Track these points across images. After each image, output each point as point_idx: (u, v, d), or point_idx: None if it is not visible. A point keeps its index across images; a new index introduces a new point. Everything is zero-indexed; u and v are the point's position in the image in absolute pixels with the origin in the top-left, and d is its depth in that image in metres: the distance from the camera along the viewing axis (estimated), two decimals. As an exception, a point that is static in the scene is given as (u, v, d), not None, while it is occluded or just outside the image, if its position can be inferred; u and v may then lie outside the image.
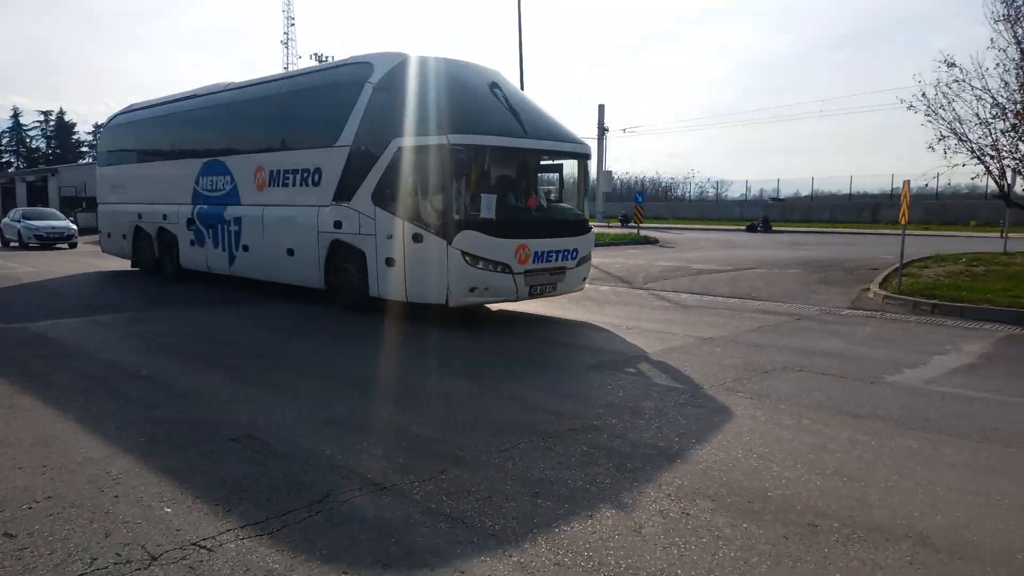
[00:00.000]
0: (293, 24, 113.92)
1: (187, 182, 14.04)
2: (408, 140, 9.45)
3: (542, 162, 10.79)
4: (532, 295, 9.71)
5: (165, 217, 14.88)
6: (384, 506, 3.96)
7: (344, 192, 10.46)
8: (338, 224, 10.56)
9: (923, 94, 12.38)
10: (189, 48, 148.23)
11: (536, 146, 10.08)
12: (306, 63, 59.25)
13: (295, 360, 7.72)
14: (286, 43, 76.69)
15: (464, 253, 9.04)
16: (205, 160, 13.68)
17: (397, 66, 10.12)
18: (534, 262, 9.51)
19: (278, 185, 11.74)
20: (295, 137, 11.72)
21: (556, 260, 9.87)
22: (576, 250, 10.20)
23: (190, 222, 14.03)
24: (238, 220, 12.76)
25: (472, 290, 9.17)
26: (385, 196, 9.74)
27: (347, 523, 3.75)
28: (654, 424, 5.44)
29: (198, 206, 13.87)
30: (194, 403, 5.97)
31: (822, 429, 5.36)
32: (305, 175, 11.17)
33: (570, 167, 10.93)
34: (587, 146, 11.07)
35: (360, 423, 5.52)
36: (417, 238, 9.29)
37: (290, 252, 11.55)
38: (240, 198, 12.73)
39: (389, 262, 9.69)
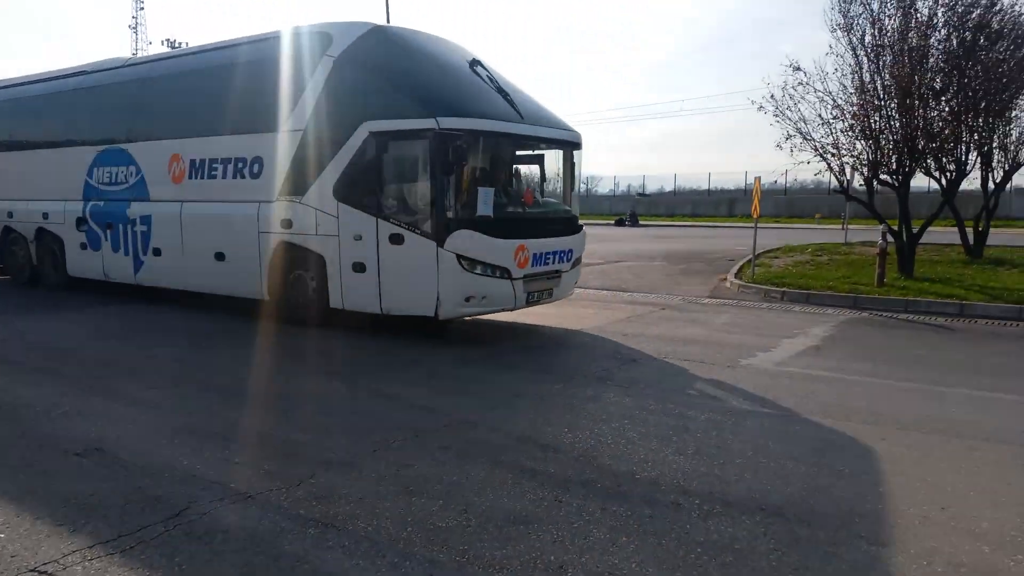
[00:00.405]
0: (143, 8, 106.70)
1: (77, 174, 11.73)
2: (384, 124, 8.02)
3: (520, 152, 9.34)
4: (529, 303, 8.41)
5: (46, 216, 12.41)
6: (249, 516, 3.77)
7: (295, 185, 8.87)
8: (287, 223, 8.94)
9: (772, 96, 13.22)
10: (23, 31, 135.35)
11: (535, 132, 8.75)
12: (157, 49, 55.31)
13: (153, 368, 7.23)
14: (135, 28, 71.78)
15: (459, 256, 7.71)
16: (101, 148, 11.42)
17: (363, 37, 8.61)
18: (532, 265, 8.29)
19: (203, 177, 9.91)
20: (227, 120, 9.76)
21: (553, 262, 8.63)
22: (571, 251, 9.01)
23: (81, 221, 11.76)
24: (146, 219, 10.71)
25: (468, 299, 7.89)
26: (352, 190, 8.29)
27: (208, 535, 3.54)
28: (528, 416, 5.51)
29: (92, 203, 11.59)
30: (31, 415, 5.46)
31: (684, 412, 5.62)
32: (240, 165, 9.43)
33: (553, 157, 9.47)
34: (579, 134, 9.61)
35: (222, 431, 5.23)
36: (397, 239, 7.94)
37: (219, 256, 9.74)
38: (149, 192, 10.68)
39: (358, 268, 8.27)
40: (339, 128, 8.40)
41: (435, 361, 7.44)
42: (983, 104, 12.85)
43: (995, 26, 12.89)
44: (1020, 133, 15.25)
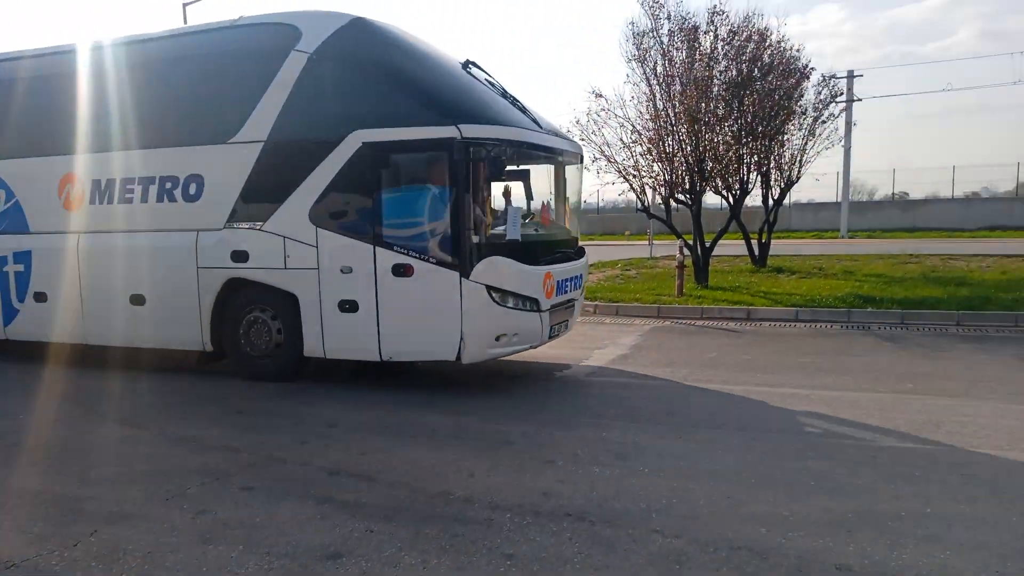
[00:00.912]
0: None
1: None
2: (383, 133, 6.68)
3: (532, 165, 8.10)
4: (551, 337, 7.30)
5: None
6: (11, 587, 3.33)
7: (251, 210, 7.26)
8: (240, 256, 7.30)
9: (578, 120, 13.96)
10: None
11: (554, 144, 7.74)
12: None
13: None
14: None
15: (490, 288, 6.57)
16: None
17: (342, 31, 7.16)
18: (556, 294, 7.27)
19: (111, 201, 7.93)
20: (149, 130, 7.90)
21: (569, 290, 7.64)
22: (581, 276, 8.09)
23: None
24: (23, 256, 8.53)
25: (499, 338, 6.74)
26: (337, 214, 6.93)
27: (-44, 618, 3.08)
28: (342, 447, 5.35)
29: None
30: None
31: (499, 428, 5.71)
32: (169, 186, 7.61)
33: (562, 171, 8.35)
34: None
35: (-14, 493, 4.60)
36: (402, 270, 6.62)
37: (136, 300, 7.82)
38: (28, 223, 8.51)
39: (346, 306, 6.85)
40: (317, 139, 6.97)
41: (243, 395, 7.02)
42: (759, 129, 14.37)
43: (766, 59, 14.50)
44: (792, 154, 17.19)
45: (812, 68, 15.20)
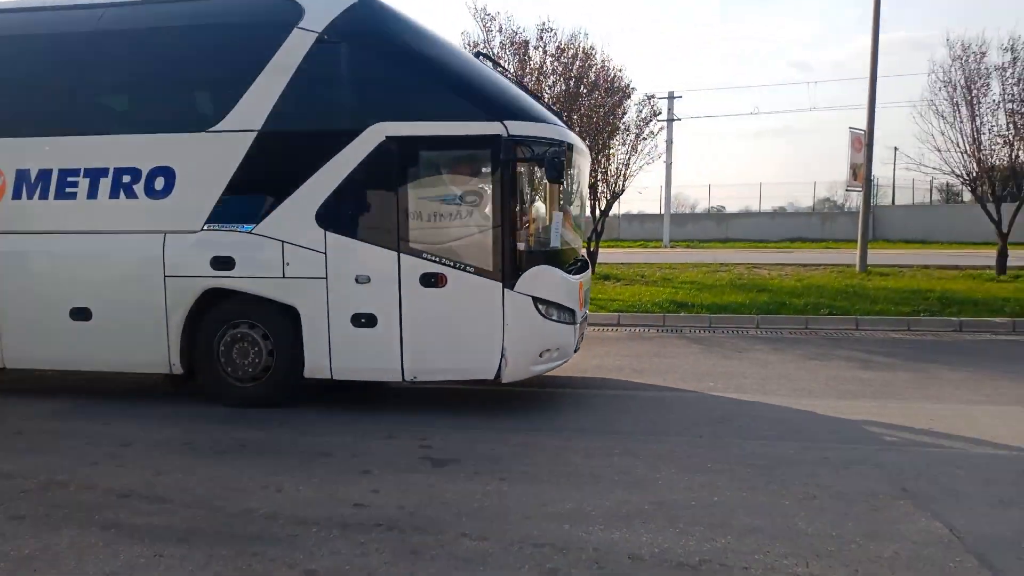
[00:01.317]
0: None
1: None
2: (412, 127, 6.02)
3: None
4: (575, 351, 6.83)
5: None
6: None
7: (239, 209, 6.33)
8: (224, 263, 6.28)
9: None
10: None
11: (583, 145, 7.20)
12: None
13: None
14: None
15: (536, 300, 6.09)
16: None
17: (352, 9, 6.28)
18: (583, 306, 6.90)
19: (42, 196, 6.56)
20: (99, 113, 6.91)
21: (586, 302, 7.26)
22: (588, 288, 7.66)
23: None
24: None
25: (543, 354, 6.25)
26: (351, 214, 6.19)
27: None
28: (138, 467, 4.94)
29: None
30: None
31: (318, 440, 5.53)
32: (129, 179, 6.42)
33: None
34: None
35: None
36: (433, 280, 5.99)
37: (79, 315, 6.55)
38: None
39: (362, 321, 6.11)
40: (328, 130, 6.22)
41: (24, 415, 6.29)
42: (587, 143, 15.04)
43: (592, 77, 15.20)
44: (617, 167, 18.13)
45: (633, 88, 16.11)
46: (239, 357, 6.42)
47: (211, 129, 6.34)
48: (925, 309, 11.34)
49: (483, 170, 6.11)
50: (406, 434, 5.64)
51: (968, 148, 14.86)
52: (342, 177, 6.09)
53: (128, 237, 6.48)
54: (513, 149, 5.89)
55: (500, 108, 6.12)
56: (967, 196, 16.74)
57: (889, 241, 29.46)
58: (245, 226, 6.28)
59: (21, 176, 6.62)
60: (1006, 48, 14.22)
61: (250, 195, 6.37)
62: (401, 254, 6.01)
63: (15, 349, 6.79)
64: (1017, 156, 14.42)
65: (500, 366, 6.03)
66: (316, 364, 6.23)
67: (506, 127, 5.91)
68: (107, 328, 6.51)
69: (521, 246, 6.03)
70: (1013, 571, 3.43)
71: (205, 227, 6.33)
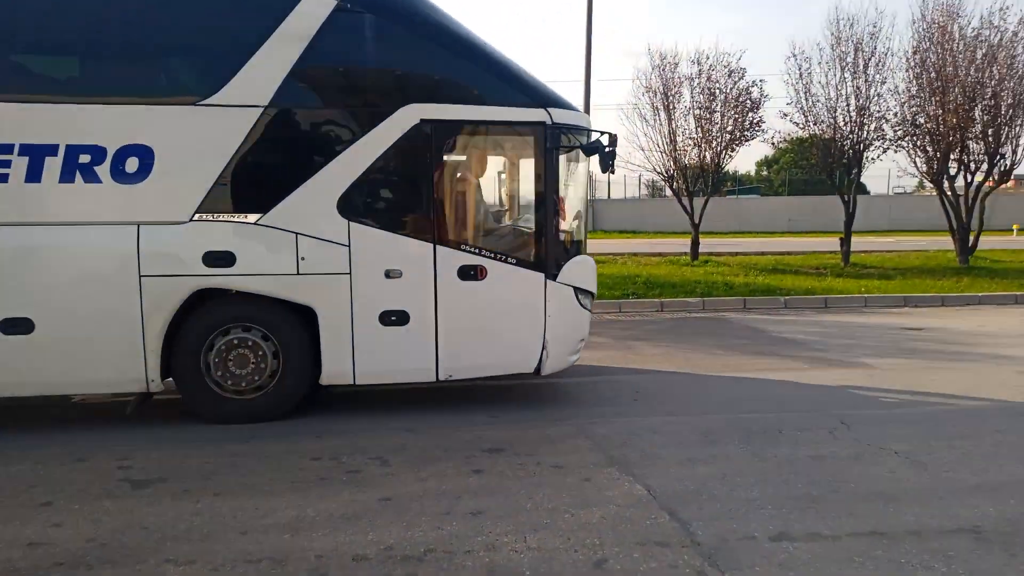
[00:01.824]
0: None
1: None
2: (451, 110, 5.67)
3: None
4: None
5: None
6: None
7: (238, 196, 5.57)
8: (221, 259, 5.42)
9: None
10: None
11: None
12: None
13: None
14: None
15: (577, 290, 6.03)
16: None
17: None
18: None
19: None
20: (43, 71, 5.62)
21: None
22: None
23: None
24: None
25: (581, 341, 6.33)
26: (379, 203, 5.80)
27: None
28: None
29: None
30: None
31: None
32: (89, 159, 5.22)
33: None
34: None
35: None
36: (472, 273, 5.70)
37: (14, 326, 5.26)
38: None
39: (391, 319, 5.64)
40: (351, 109, 5.68)
41: None
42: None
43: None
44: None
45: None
46: (237, 366, 5.61)
47: (203, 102, 5.39)
48: (633, 292, 12.63)
49: (526, 157, 6.01)
50: (103, 455, 4.95)
51: (666, 148, 16.84)
52: (369, 162, 5.58)
53: (86, 229, 5.35)
54: (557, 137, 5.80)
55: (542, 94, 5.95)
56: (668, 191, 18.87)
57: (606, 231, 32.47)
58: (250, 216, 5.51)
59: None
60: (694, 60, 16.36)
61: (254, 181, 5.63)
62: (437, 245, 5.68)
63: None
64: (704, 156, 16.63)
65: (541, 358, 5.95)
66: (336, 369, 5.68)
67: (550, 114, 5.80)
68: (55, 341, 5.34)
69: (563, 236, 6.06)
70: (696, 518, 3.87)
71: (195, 217, 5.42)
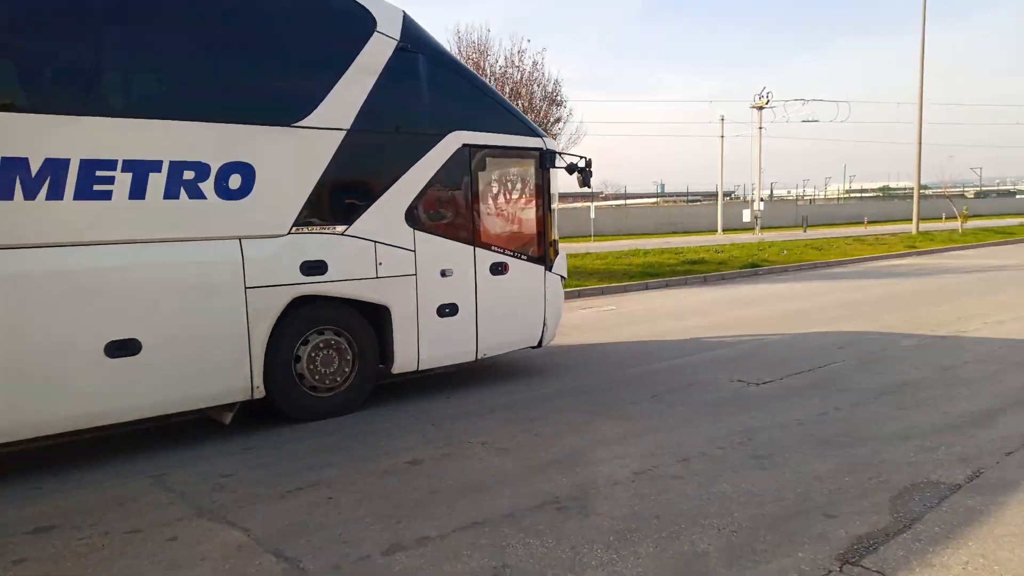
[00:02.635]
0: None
1: None
2: (482, 137, 6.75)
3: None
4: None
5: None
6: None
7: (328, 210, 5.97)
8: (315, 267, 5.79)
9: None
10: None
11: None
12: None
13: None
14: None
15: (561, 277, 7.61)
16: None
17: (407, 23, 6.33)
18: None
19: (53, 196, 4.61)
20: (152, 90, 5.42)
21: None
22: None
23: None
24: None
25: (558, 318, 7.71)
26: (434, 214, 6.61)
27: None
28: None
29: None
30: None
31: None
32: (194, 176, 5.16)
33: None
34: None
35: None
36: (500, 269, 6.95)
37: (116, 350, 4.87)
38: None
39: (446, 311, 6.57)
40: (412, 135, 6.38)
41: None
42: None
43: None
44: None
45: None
46: (324, 365, 6.00)
47: (296, 124, 5.72)
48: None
49: (530, 175, 7.36)
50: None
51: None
52: (428, 178, 6.43)
53: (190, 246, 5.25)
54: (552, 159, 7.29)
55: (535, 126, 7.43)
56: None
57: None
58: (339, 228, 5.97)
59: (6, 166, 4.45)
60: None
61: (340, 196, 6.11)
62: (476, 248, 6.78)
63: (22, 417, 4.62)
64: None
65: (542, 333, 7.41)
66: (406, 358, 6.39)
67: (544, 141, 7.29)
68: (164, 360, 5.11)
69: (555, 236, 7.47)
70: (305, 552, 3.58)
71: (292, 230, 5.70)
